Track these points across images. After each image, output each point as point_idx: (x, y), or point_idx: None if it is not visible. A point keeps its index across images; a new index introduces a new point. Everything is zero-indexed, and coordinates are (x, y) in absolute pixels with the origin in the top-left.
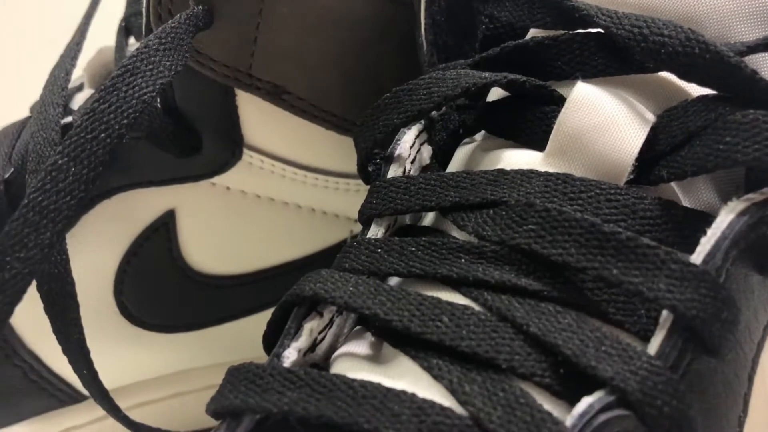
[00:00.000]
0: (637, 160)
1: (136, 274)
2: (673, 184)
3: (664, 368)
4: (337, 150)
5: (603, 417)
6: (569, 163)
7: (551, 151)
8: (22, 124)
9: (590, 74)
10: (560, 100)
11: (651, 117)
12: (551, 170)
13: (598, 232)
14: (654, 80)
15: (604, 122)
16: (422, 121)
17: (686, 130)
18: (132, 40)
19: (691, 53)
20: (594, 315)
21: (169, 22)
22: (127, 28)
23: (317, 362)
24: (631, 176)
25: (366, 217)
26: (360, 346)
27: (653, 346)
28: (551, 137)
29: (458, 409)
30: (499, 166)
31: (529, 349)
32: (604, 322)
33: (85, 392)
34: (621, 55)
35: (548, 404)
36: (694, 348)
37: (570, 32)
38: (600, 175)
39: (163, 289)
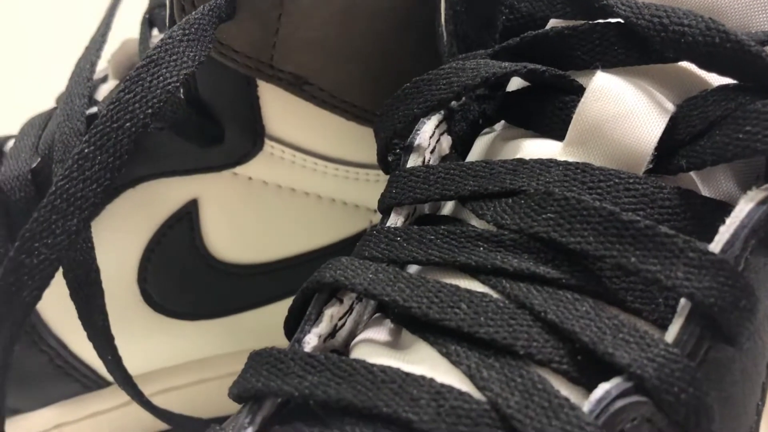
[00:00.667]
0: (656, 149)
1: (159, 262)
2: (692, 173)
3: (681, 356)
4: (357, 140)
5: (620, 403)
6: (588, 153)
7: (570, 140)
8: (48, 115)
9: (610, 64)
10: (580, 90)
11: (670, 107)
12: (570, 159)
13: (616, 221)
14: (674, 70)
15: (624, 112)
16: (442, 111)
17: (706, 120)
18: (156, 31)
19: (712, 43)
20: (612, 303)
21: (193, 13)
22: (150, 20)
23: (337, 348)
24: (650, 166)
25: (385, 206)
26: (379, 333)
27: (671, 334)
28: (570, 127)
29: (476, 394)
30: (519, 156)
31: (546, 335)
32: (622, 310)
33: (110, 378)
34: (641, 45)
35: (565, 390)
36: (711, 336)
37: (590, 22)
38: (619, 164)
39: (186, 277)
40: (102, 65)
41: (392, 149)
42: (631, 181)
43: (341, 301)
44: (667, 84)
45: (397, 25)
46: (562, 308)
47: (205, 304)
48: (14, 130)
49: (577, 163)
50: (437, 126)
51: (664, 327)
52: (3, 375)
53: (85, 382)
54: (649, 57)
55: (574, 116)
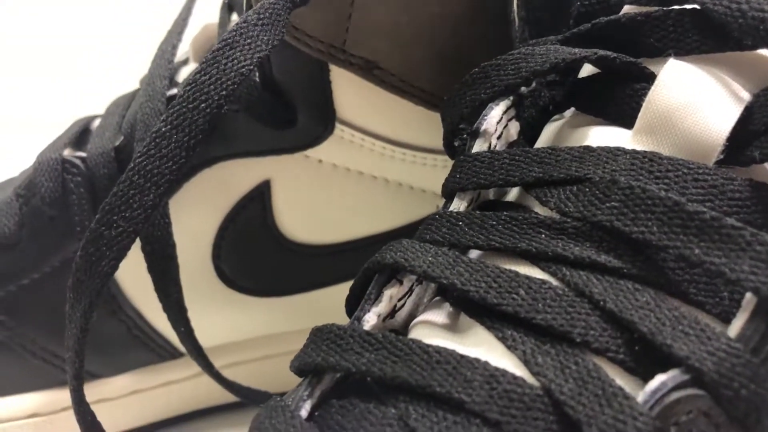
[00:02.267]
0: (728, 140)
1: (232, 239)
2: (766, 165)
3: (744, 351)
4: (425, 125)
5: (676, 395)
6: (657, 142)
7: (639, 128)
8: (131, 96)
9: (684, 51)
10: (651, 78)
11: (746, 96)
12: (639, 148)
13: (681, 211)
14: (751, 58)
15: (696, 100)
16: (511, 97)
17: None
18: (235, 16)
19: None
20: (674, 294)
21: None
22: (230, 5)
23: (396, 328)
24: (721, 156)
25: (449, 191)
26: (438, 315)
27: (734, 329)
28: (640, 114)
29: (530, 379)
30: (586, 143)
31: (604, 324)
32: (684, 302)
33: (183, 349)
34: (717, 32)
35: (621, 380)
36: None
37: (664, 8)
38: (688, 154)
39: (258, 255)
40: (184, 48)
41: (458, 134)
42: (700, 171)
43: (401, 283)
44: (743, 72)
45: (468, 11)
46: (621, 298)
47: (276, 281)
48: (101, 110)
49: (645, 151)
50: (505, 111)
51: (727, 321)
52: (82, 339)
53: (159, 352)
54: (726, 44)
55: (644, 104)
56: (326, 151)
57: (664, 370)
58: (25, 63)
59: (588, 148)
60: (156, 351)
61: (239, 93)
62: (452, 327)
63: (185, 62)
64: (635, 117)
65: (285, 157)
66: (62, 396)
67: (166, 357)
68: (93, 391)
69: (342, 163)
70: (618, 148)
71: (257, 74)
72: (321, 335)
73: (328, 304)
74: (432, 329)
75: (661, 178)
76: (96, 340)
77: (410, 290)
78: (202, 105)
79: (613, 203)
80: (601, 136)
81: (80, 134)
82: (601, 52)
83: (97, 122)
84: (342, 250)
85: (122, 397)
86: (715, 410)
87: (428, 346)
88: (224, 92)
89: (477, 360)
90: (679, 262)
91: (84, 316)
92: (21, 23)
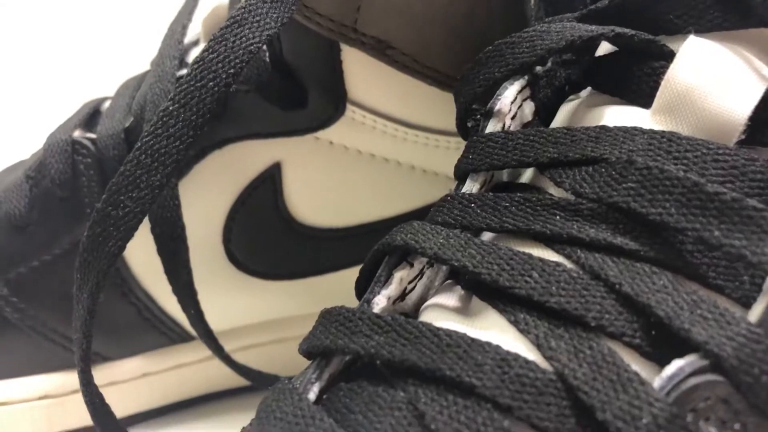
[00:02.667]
0: (750, 119)
1: (243, 222)
2: None
3: (765, 336)
4: (438, 107)
5: (693, 381)
6: (676, 121)
7: (658, 108)
8: (142, 77)
9: (705, 29)
10: (670, 56)
11: None
12: (657, 128)
13: (700, 192)
14: None
15: (716, 79)
16: (526, 77)
17: None
18: None
19: None
20: (692, 278)
21: None
22: None
23: (407, 311)
24: (743, 136)
25: (462, 172)
26: (449, 298)
27: (755, 314)
28: (658, 94)
29: (543, 363)
30: (603, 123)
31: (620, 308)
32: (703, 285)
33: (194, 333)
34: (739, 8)
35: (636, 365)
36: None
37: None
38: (708, 134)
39: (269, 237)
40: (196, 29)
41: (472, 115)
42: (720, 152)
43: (411, 265)
44: (766, 50)
45: None
46: (638, 281)
47: (287, 264)
48: (111, 93)
49: (663, 131)
50: (520, 92)
51: (747, 306)
52: (90, 320)
53: (170, 335)
54: (749, 21)
55: (663, 83)
56: (337, 132)
57: (681, 355)
58: (25, 57)
59: (604, 128)
60: (166, 334)
61: (249, 73)
62: (463, 310)
63: (196, 43)
64: (653, 96)
65: (296, 139)
66: (73, 378)
67: (177, 340)
68: (103, 374)
69: (353, 145)
70: (635, 128)
71: (267, 54)
72: (330, 317)
73: (338, 287)
74: (443, 312)
75: (679, 159)
76: (106, 322)
77: (421, 273)
78: (210, 83)
79: (630, 184)
80: (618, 115)
81: (90, 116)
82: (619, 30)
83: (107, 104)
84: (353, 233)
85: (132, 380)
86: (734, 397)
87: (438, 329)
88: (232, 70)
89: (488, 343)
90: (698, 244)
91: (91, 297)
92: (21, 23)
